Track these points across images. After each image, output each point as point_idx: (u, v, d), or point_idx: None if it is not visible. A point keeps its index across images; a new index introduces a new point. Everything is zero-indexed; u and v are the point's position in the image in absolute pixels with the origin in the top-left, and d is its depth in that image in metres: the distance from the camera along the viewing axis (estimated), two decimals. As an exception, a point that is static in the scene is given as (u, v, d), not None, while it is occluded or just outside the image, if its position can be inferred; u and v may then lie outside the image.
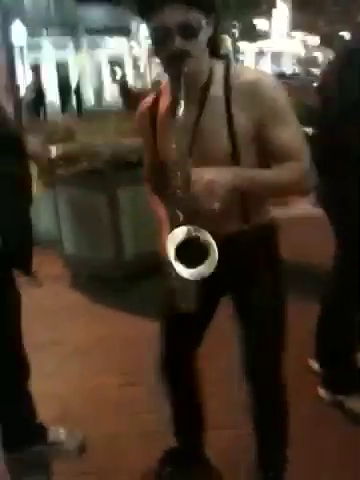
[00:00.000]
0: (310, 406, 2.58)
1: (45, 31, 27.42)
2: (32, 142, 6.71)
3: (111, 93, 30.08)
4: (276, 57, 39.18)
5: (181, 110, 1.40)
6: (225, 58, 1.57)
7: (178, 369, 1.95)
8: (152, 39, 1.47)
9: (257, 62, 37.45)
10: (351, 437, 2.39)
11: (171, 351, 1.91)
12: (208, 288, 1.52)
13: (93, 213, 4.17)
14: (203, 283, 1.48)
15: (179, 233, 1.42)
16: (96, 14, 28.78)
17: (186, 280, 1.43)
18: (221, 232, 1.50)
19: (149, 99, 1.70)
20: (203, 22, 1.43)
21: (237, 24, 19.60)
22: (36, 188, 5.74)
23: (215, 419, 2.10)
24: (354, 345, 2.63)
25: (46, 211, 5.19)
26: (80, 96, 23.22)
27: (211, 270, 1.40)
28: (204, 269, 1.41)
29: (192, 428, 2.09)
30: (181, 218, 1.42)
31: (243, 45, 25.90)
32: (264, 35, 26.87)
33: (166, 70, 1.51)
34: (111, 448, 2.46)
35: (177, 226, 1.43)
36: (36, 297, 4.17)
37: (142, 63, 32.52)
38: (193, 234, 1.42)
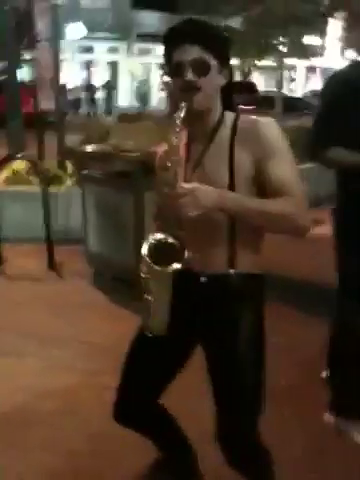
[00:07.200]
0: (315, 433, 2.53)
1: (99, 33, 27.87)
2: (70, 140, 6.83)
3: (158, 98, 30.31)
4: (327, 74, 38.85)
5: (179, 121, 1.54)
6: (236, 110, 1.71)
7: (140, 413, 1.86)
8: (170, 72, 1.63)
9: (308, 78, 37.25)
10: (356, 464, 2.34)
11: (132, 395, 1.83)
12: (184, 327, 1.65)
13: (118, 214, 4.18)
14: (179, 321, 1.60)
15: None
16: (151, 20, 29.07)
17: (160, 301, 1.59)
18: (206, 270, 1.64)
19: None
20: (213, 62, 1.60)
21: (285, 40, 19.25)
22: (70, 185, 5.84)
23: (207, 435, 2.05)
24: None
25: (76, 208, 5.25)
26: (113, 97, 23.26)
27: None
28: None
29: (176, 451, 2.02)
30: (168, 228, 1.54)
31: (292, 61, 25.75)
32: (315, 53, 26.56)
33: (179, 102, 1.60)
34: (106, 448, 2.48)
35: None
36: (59, 291, 4.26)
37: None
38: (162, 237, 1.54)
